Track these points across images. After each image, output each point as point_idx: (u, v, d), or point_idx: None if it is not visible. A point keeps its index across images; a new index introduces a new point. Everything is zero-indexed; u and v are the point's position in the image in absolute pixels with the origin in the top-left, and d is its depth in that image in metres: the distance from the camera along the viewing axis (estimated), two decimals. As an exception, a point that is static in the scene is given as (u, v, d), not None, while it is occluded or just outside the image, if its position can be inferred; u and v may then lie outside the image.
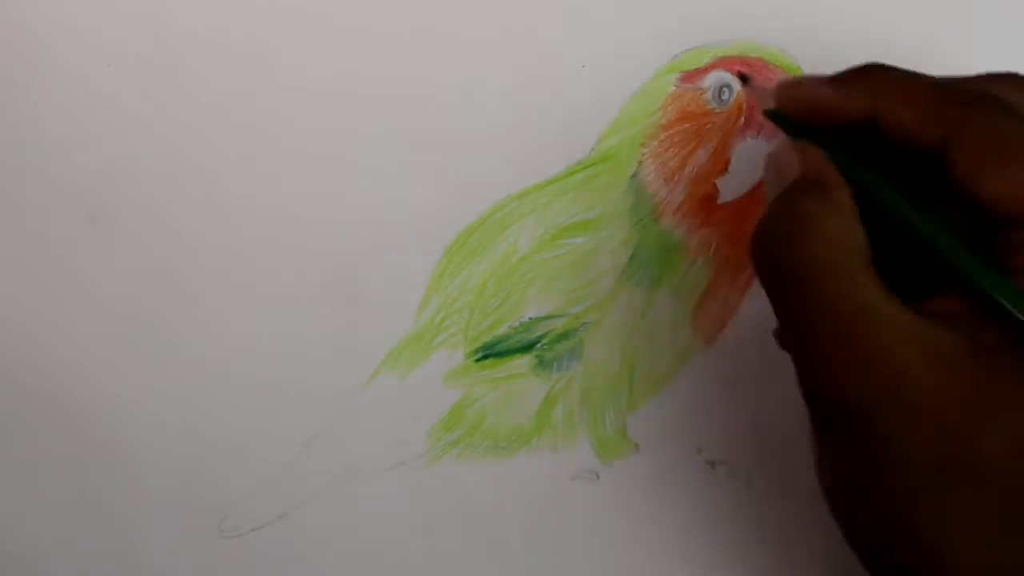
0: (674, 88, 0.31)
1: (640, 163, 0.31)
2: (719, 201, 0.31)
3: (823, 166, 0.24)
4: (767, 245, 0.24)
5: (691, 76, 0.31)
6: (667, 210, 0.31)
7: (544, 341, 0.31)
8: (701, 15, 0.31)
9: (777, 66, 0.32)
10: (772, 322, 0.31)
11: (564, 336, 0.32)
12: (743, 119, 0.32)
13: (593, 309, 0.31)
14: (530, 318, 0.31)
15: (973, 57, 0.33)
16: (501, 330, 0.31)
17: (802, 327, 0.23)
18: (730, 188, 0.31)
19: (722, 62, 0.31)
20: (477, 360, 0.31)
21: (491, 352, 0.31)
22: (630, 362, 0.31)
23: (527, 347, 0.31)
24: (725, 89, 0.31)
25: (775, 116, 0.26)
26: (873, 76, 0.24)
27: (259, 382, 0.30)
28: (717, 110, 0.32)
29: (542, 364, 0.32)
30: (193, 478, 0.30)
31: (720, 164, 0.32)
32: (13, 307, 0.29)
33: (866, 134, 0.24)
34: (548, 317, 0.31)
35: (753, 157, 0.32)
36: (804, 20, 0.32)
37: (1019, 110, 0.23)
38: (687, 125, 0.31)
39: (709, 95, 0.31)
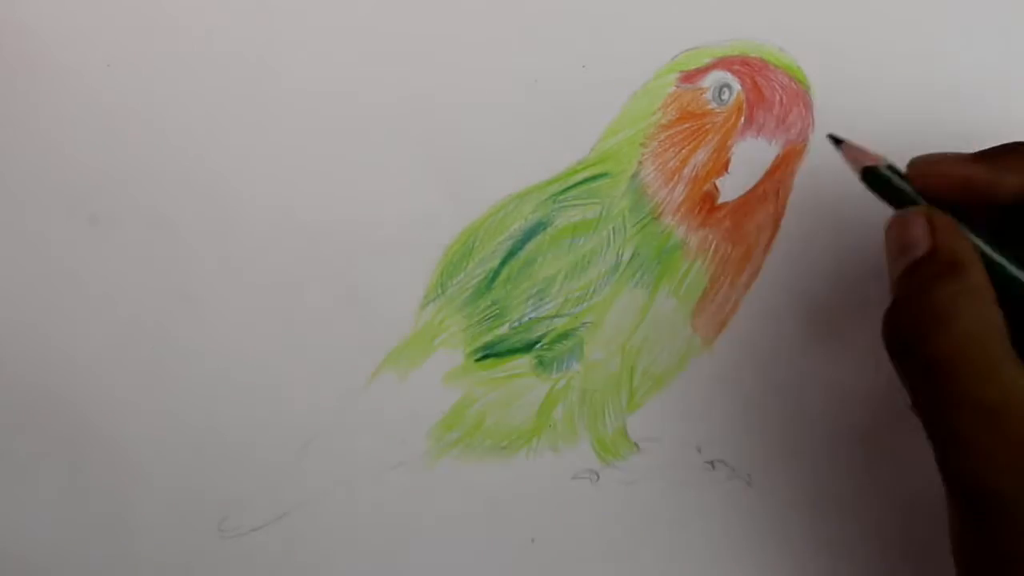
0: (674, 88, 0.31)
1: (640, 163, 0.31)
2: (719, 201, 0.31)
3: (957, 242, 0.23)
4: (902, 336, 0.23)
5: (691, 76, 0.31)
6: (667, 210, 0.31)
7: (544, 341, 0.31)
8: (701, 15, 0.31)
9: (777, 66, 0.32)
10: (772, 323, 0.31)
11: (564, 336, 0.31)
12: (743, 119, 0.32)
13: (593, 309, 0.31)
14: (530, 318, 0.31)
15: (973, 56, 0.33)
16: (501, 330, 0.31)
17: (944, 417, 0.22)
18: (730, 188, 0.31)
19: (722, 62, 0.31)
20: (477, 360, 0.31)
21: (491, 352, 0.31)
22: (630, 362, 0.31)
23: (527, 347, 0.31)
24: (725, 89, 0.31)
25: (875, 179, 0.25)
26: None
27: (259, 382, 0.30)
28: (717, 110, 0.32)
29: (542, 364, 0.32)
30: (193, 478, 0.30)
31: (720, 164, 0.32)
32: (13, 307, 0.29)
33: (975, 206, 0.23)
34: (548, 317, 0.31)
35: (753, 157, 0.32)
36: (804, 20, 0.32)
37: None
38: (687, 125, 0.31)
39: (709, 95, 0.31)
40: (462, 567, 0.32)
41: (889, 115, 0.33)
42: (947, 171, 0.25)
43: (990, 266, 0.23)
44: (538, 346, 0.31)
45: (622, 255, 0.31)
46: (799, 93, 0.32)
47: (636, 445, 0.32)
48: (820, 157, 0.32)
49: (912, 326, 0.23)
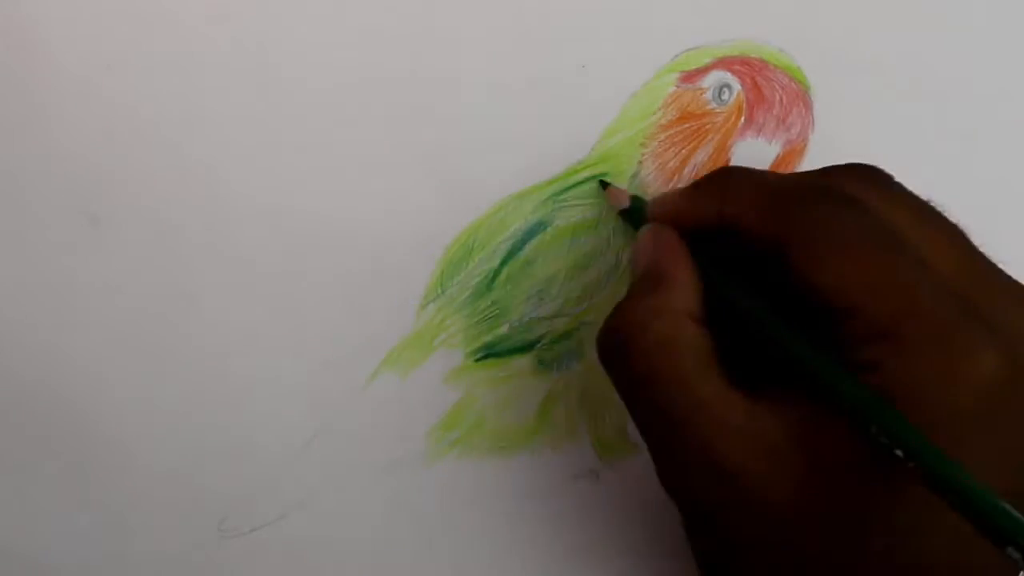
0: (674, 88, 0.31)
1: (640, 163, 0.31)
2: (719, 201, 0.31)
3: (667, 259, 0.25)
4: (606, 350, 0.24)
5: (691, 76, 0.31)
6: (667, 210, 0.31)
7: (544, 341, 0.31)
8: (701, 15, 0.31)
9: (777, 66, 0.32)
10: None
11: (564, 336, 0.32)
12: (743, 119, 0.32)
13: (593, 309, 0.31)
14: (530, 318, 0.31)
15: (973, 56, 0.33)
16: (501, 330, 0.31)
17: (644, 429, 0.24)
18: (730, 188, 0.31)
19: (722, 62, 0.31)
20: (477, 360, 0.31)
21: (491, 352, 0.31)
22: (630, 362, 0.31)
23: (527, 347, 0.31)
24: (725, 89, 0.31)
25: (628, 214, 0.28)
26: (719, 183, 0.25)
27: (259, 382, 0.30)
28: (717, 110, 0.32)
29: (542, 364, 0.32)
30: (193, 478, 0.30)
31: (720, 164, 0.32)
32: (13, 307, 0.29)
33: (726, 236, 0.24)
34: (548, 317, 0.31)
35: (753, 157, 0.32)
36: (804, 20, 0.32)
37: (861, 200, 0.23)
38: (687, 125, 0.31)
39: (709, 95, 0.31)
40: (462, 567, 0.32)
41: (889, 114, 0.33)
42: (666, 205, 0.27)
43: (713, 286, 0.25)
44: (538, 346, 0.31)
45: (622, 255, 0.31)
46: (799, 93, 0.32)
47: (636, 445, 0.32)
48: (820, 157, 0.32)
49: (613, 339, 0.24)
